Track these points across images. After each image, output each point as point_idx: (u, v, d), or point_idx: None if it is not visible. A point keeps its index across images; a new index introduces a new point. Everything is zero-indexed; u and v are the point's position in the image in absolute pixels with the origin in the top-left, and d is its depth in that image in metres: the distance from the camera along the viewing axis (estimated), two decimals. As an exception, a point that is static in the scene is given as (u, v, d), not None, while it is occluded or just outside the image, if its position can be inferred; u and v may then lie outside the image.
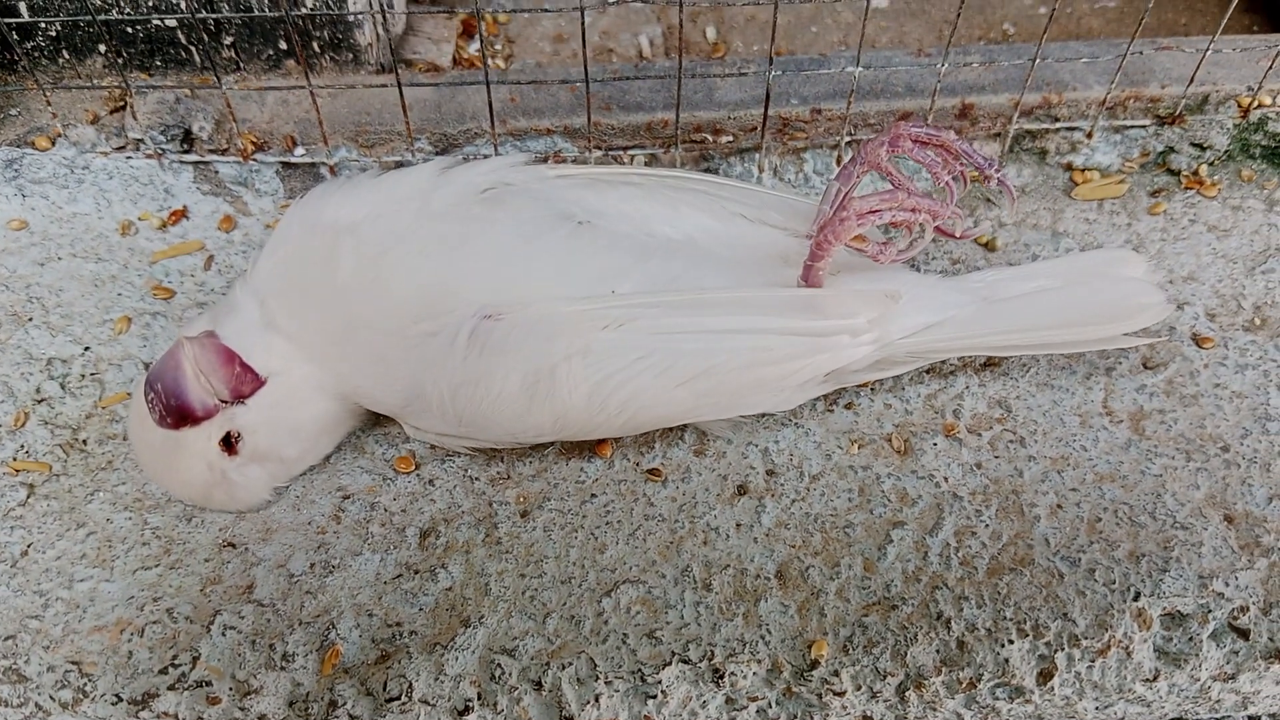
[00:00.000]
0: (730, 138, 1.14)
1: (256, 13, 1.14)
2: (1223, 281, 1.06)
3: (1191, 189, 1.14)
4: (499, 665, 0.83)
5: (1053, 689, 0.84)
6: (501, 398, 0.86)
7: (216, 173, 1.14)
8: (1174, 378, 0.99)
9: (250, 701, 0.83)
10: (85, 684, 0.83)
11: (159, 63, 1.19)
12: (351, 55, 1.20)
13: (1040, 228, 1.12)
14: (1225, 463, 0.93)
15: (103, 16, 1.11)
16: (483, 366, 0.85)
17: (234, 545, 0.90)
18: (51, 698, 0.83)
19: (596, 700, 0.82)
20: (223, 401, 0.85)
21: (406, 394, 0.89)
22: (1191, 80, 1.12)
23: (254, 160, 1.13)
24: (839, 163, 1.15)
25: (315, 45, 1.19)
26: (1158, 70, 1.18)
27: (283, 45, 1.18)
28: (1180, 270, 1.07)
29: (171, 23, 1.15)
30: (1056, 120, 1.15)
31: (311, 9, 1.15)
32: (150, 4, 1.13)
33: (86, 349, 1.03)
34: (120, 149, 1.13)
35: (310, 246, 0.90)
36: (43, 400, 0.99)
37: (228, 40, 1.17)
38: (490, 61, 1.40)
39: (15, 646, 0.85)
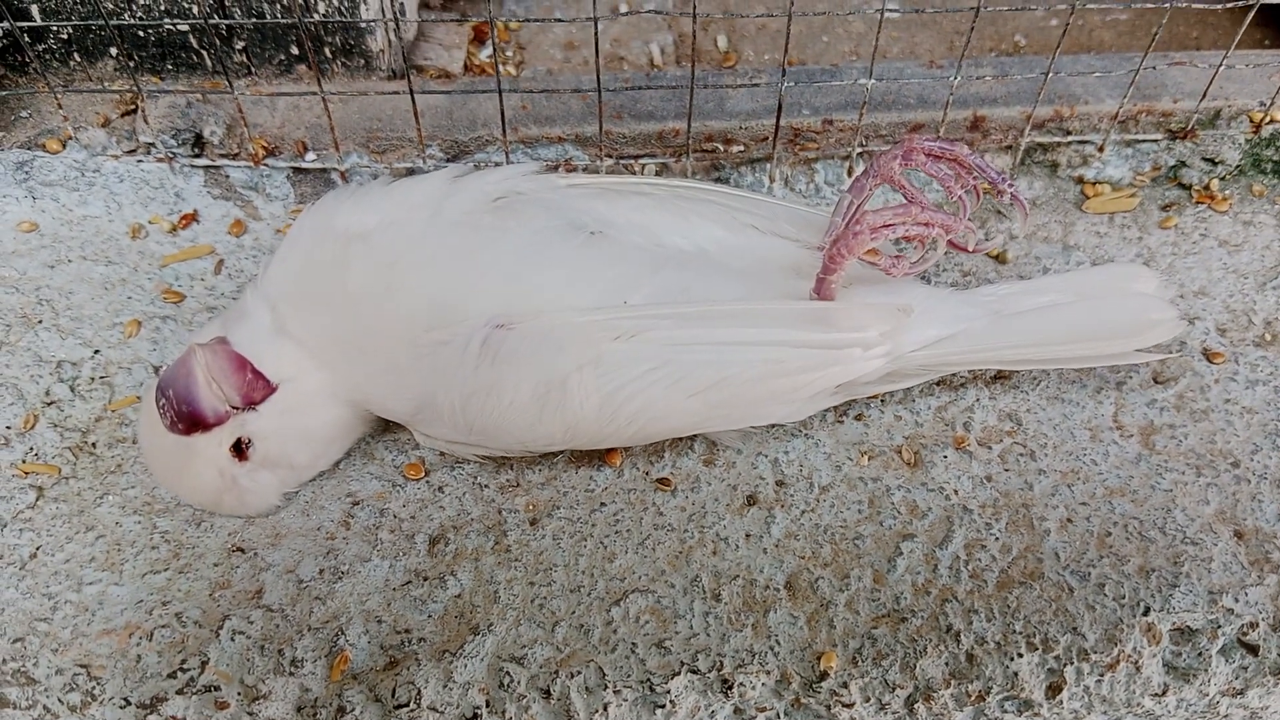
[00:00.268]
0: (741, 147, 1.14)
1: (269, 18, 1.14)
2: (1234, 297, 1.06)
3: (1203, 204, 1.15)
4: (507, 673, 0.83)
5: (1061, 703, 0.84)
6: (513, 407, 0.86)
7: (227, 177, 1.14)
8: (1184, 393, 0.99)
9: (259, 707, 0.82)
10: (94, 687, 0.83)
11: (170, 66, 1.19)
12: (363, 61, 1.20)
13: (1051, 241, 1.12)
14: (1235, 478, 0.93)
15: (115, 21, 1.11)
16: (494, 376, 0.85)
17: (243, 550, 0.90)
18: (60, 700, 0.83)
19: (605, 709, 0.82)
20: (234, 408, 0.85)
21: (417, 402, 0.89)
22: (1204, 95, 1.12)
23: (265, 165, 1.14)
24: (850, 174, 1.15)
25: (327, 51, 1.19)
26: (1170, 84, 1.18)
27: (294, 50, 1.18)
28: (1191, 285, 1.07)
29: (183, 27, 1.15)
30: (1068, 133, 1.15)
31: (324, 15, 1.16)
32: (162, 8, 1.13)
33: (96, 352, 1.03)
34: (131, 152, 1.14)
35: (322, 254, 0.90)
36: (52, 403, 0.99)
37: (239, 45, 1.18)
38: (502, 69, 1.40)
39: (24, 649, 0.85)
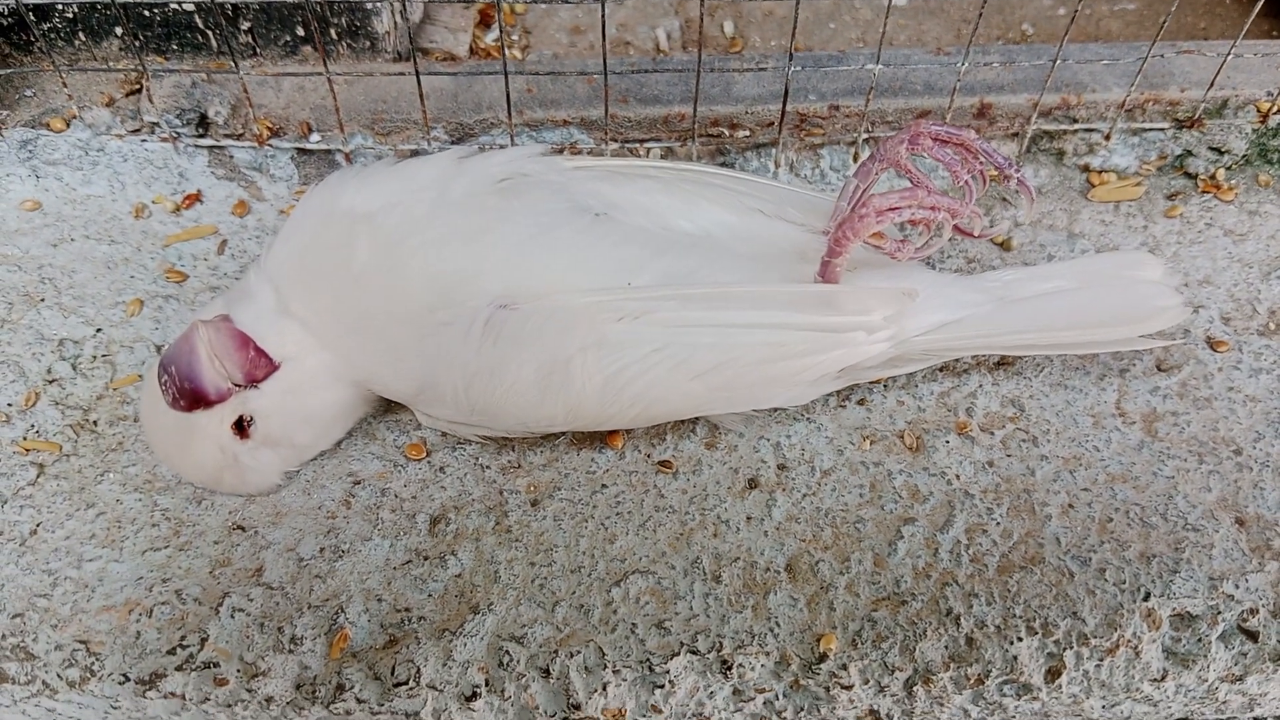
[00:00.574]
0: (747, 133, 1.14)
1: (275, -2, 1.14)
2: (1238, 285, 1.06)
3: (1208, 193, 1.14)
4: (507, 652, 0.83)
5: (1060, 687, 0.84)
6: (515, 388, 0.86)
7: (231, 157, 1.14)
8: (1188, 380, 0.99)
9: (258, 683, 0.83)
10: (93, 663, 0.83)
11: (175, 46, 1.19)
12: (369, 43, 1.20)
13: (1056, 228, 1.11)
14: (1237, 466, 0.93)
15: (120, 0, 1.11)
16: (497, 356, 0.85)
17: (244, 528, 0.90)
18: (59, 676, 0.83)
19: (604, 689, 0.82)
20: (236, 385, 0.85)
21: (420, 382, 0.89)
22: (1211, 84, 1.12)
23: (269, 146, 1.13)
24: (856, 160, 1.15)
25: (333, 32, 1.19)
26: (1177, 74, 1.18)
27: (300, 31, 1.18)
28: (1196, 274, 1.07)
29: (189, 6, 1.15)
30: (1075, 121, 1.15)
31: (330, -5, 1.16)
32: (169, -13, 1.13)
33: (98, 330, 1.03)
34: (135, 132, 1.13)
35: (326, 234, 0.90)
36: (54, 381, 0.99)
37: (245, 25, 1.17)
38: (507, 52, 1.39)
39: (24, 624, 0.85)
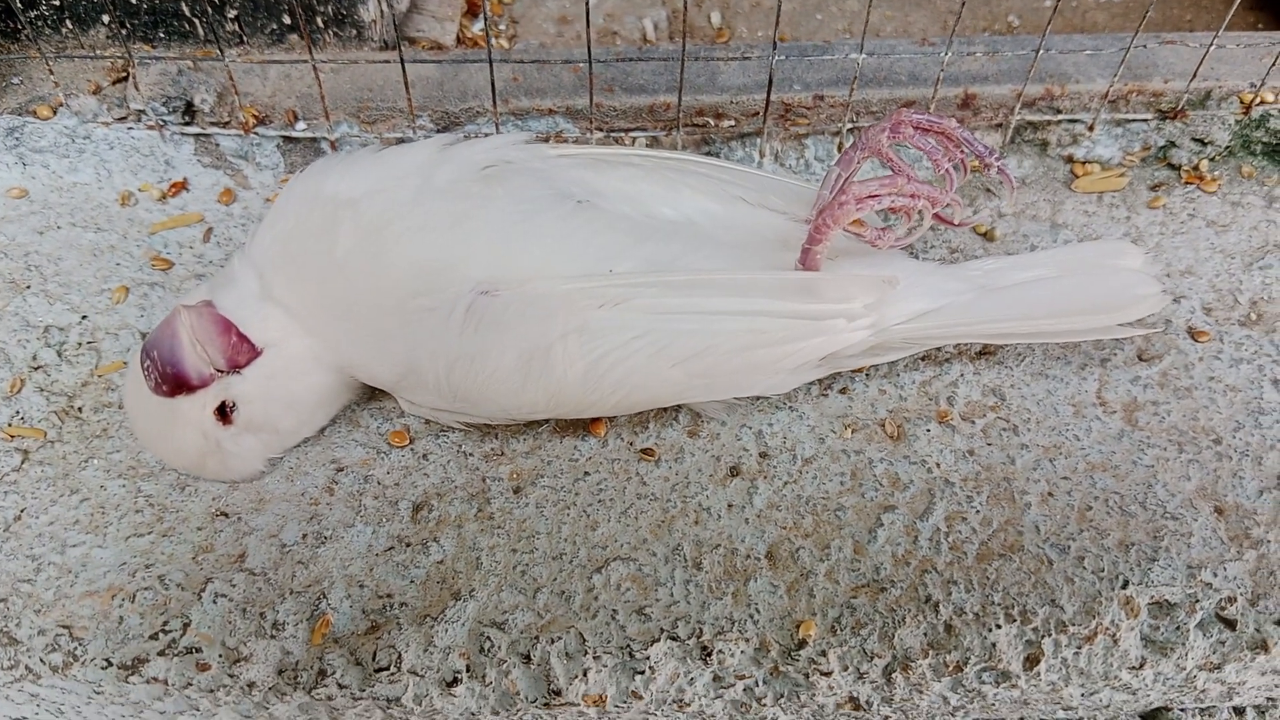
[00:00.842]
0: (732, 122, 1.14)
1: (261, -14, 1.14)
2: (1220, 276, 1.06)
3: (1192, 184, 1.15)
4: (488, 638, 0.83)
5: (1039, 674, 0.84)
6: (497, 374, 0.86)
7: (217, 145, 1.14)
8: (1168, 370, 0.99)
9: (240, 669, 0.83)
10: (76, 648, 0.83)
11: (162, 34, 1.19)
12: (355, 31, 1.20)
13: (1040, 219, 1.12)
14: (1217, 455, 0.93)
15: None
16: (479, 342, 0.85)
17: (227, 514, 0.91)
18: (42, 661, 0.83)
19: (585, 675, 0.83)
20: (218, 371, 0.85)
21: (402, 368, 0.89)
22: (1194, 75, 1.12)
23: (255, 134, 1.14)
24: (840, 149, 1.15)
25: (319, 20, 1.19)
26: (1161, 65, 1.18)
27: (286, 20, 1.18)
28: (1178, 264, 1.07)
29: (176, -6, 1.15)
30: (1058, 112, 1.15)
31: (316, -16, 1.16)
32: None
33: (84, 317, 1.03)
34: (122, 120, 1.13)
35: (310, 220, 0.90)
36: (39, 367, 0.99)
37: (231, 13, 1.17)
38: (494, 41, 1.40)
39: (7, 610, 0.85)
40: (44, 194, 1.13)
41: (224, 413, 0.87)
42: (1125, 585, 0.85)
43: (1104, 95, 1.14)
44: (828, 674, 0.83)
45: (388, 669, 0.83)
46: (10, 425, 0.96)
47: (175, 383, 0.83)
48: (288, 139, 1.14)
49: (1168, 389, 0.98)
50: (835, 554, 0.88)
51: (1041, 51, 1.07)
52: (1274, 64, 1.14)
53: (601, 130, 1.14)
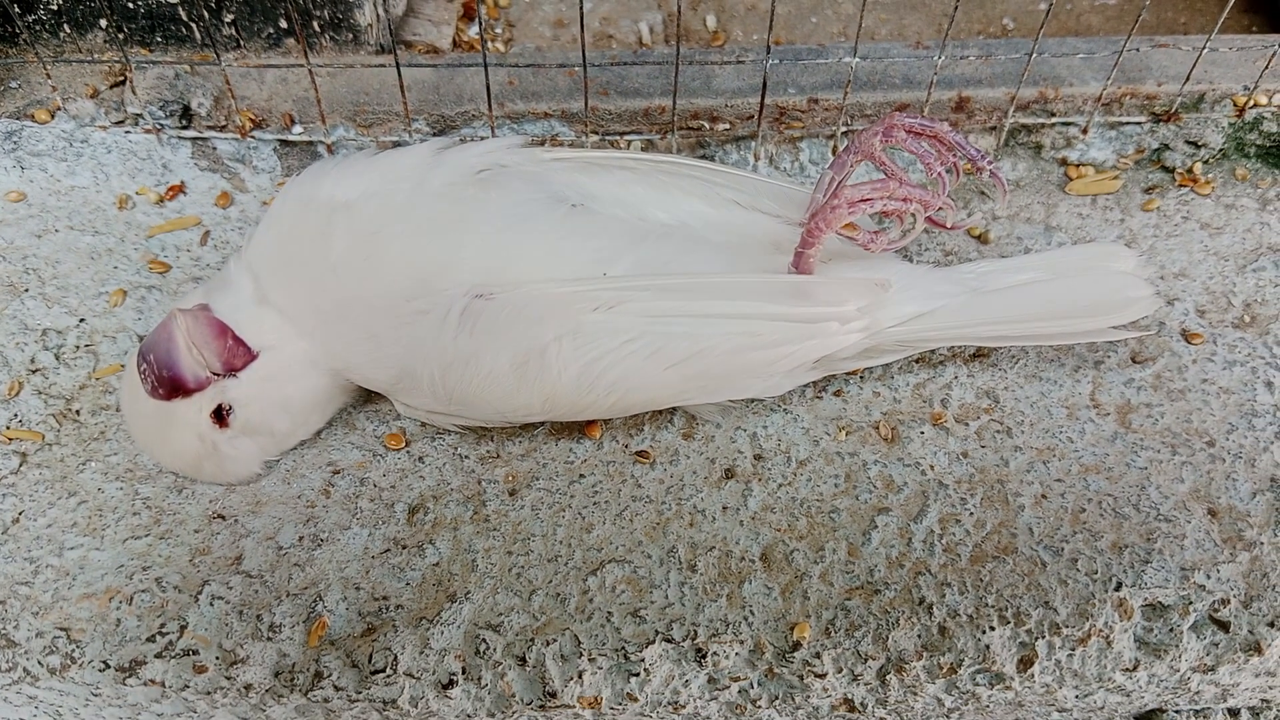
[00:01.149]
0: (727, 125, 1.15)
1: (258, -10, 1.15)
2: (1214, 279, 1.06)
3: (1185, 186, 1.15)
4: (484, 640, 0.84)
5: (1033, 676, 0.85)
6: (491, 377, 0.86)
7: (214, 149, 1.14)
8: (1162, 372, 0.99)
9: (237, 671, 0.83)
10: (73, 650, 0.84)
11: (159, 39, 1.19)
12: (351, 35, 1.21)
13: (1033, 222, 1.12)
14: (1210, 457, 0.94)
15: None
16: (473, 345, 0.85)
17: (223, 517, 0.91)
18: (40, 663, 0.84)
19: (580, 677, 0.83)
20: (214, 374, 0.86)
21: (397, 371, 0.89)
22: (1188, 78, 1.13)
23: (252, 137, 1.14)
24: (835, 152, 1.15)
25: (315, 24, 1.19)
26: (1154, 68, 1.18)
27: (283, 24, 1.18)
28: (1172, 267, 1.07)
29: (173, -1, 1.16)
30: (1052, 115, 1.15)
31: (313, -12, 1.16)
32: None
33: (81, 320, 1.04)
34: (119, 123, 1.14)
35: (305, 223, 0.90)
36: (37, 370, 1.00)
37: (228, 18, 1.18)
38: (490, 45, 1.40)
39: (5, 612, 0.85)
40: (42, 197, 1.14)
41: (220, 416, 0.87)
42: (1119, 587, 0.86)
43: (1098, 98, 1.14)
44: (822, 676, 0.84)
45: (384, 671, 0.83)
46: (8, 428, 0.96)
47: (171, 386, 0.84)
48: (284, 142, 1.15)
49: (1161, 391, 0.98)
50: (829, 556, 0.88)
51: (1035, 54, 1.08)
52: (1267, 66, 1.14)
53: (597, 134, 1.14)
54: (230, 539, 0.90)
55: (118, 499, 0.92)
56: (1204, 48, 1.10)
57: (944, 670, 0.84)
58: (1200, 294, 1.05)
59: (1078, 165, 1.17)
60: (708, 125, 1.15)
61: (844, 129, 1.14)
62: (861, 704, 0.86)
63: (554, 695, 0.83)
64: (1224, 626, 0.85)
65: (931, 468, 0.93)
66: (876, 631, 0.84)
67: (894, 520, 0.90)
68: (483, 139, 1.06)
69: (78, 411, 0.97)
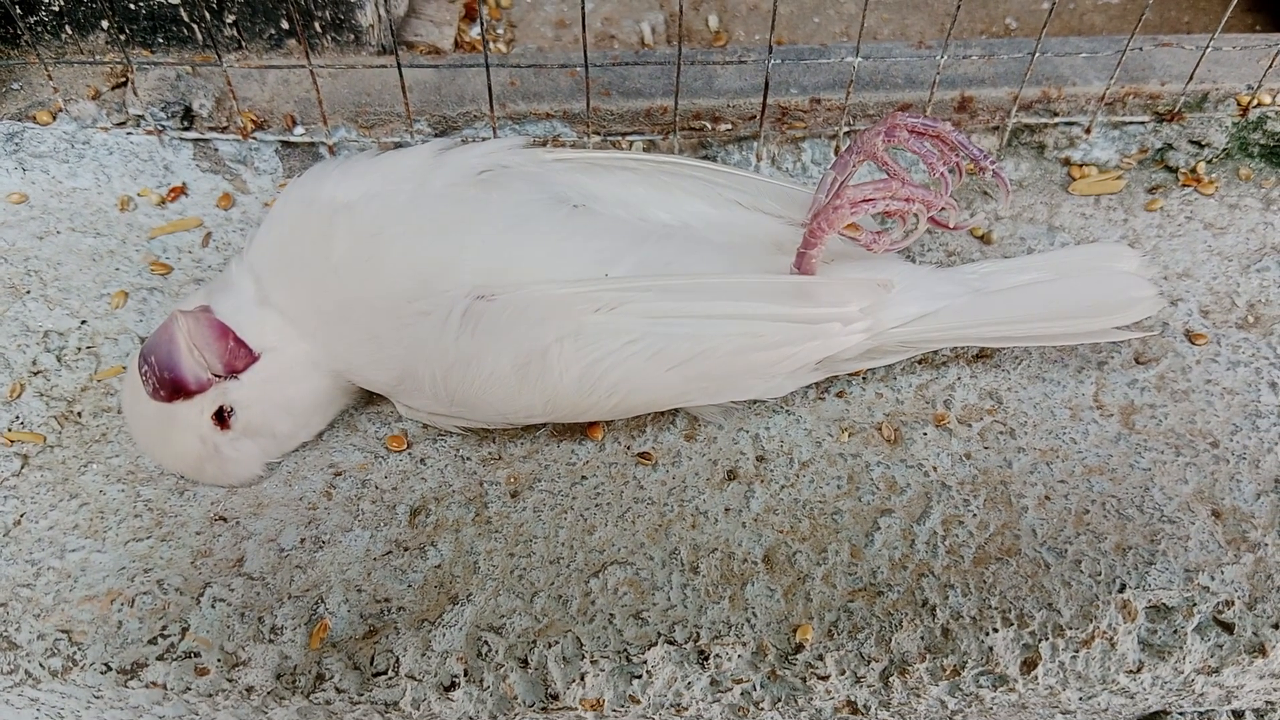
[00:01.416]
0: (729, 126, 1.15)
1: (259, -9, 1.15)
2: (1217, 279, 1.06)
3: (1189, 186, 1.15)
4: (486, 643, 0.84)
5: (1036, 678, 0.84)
6: (493, 378, 0.86)
7: (216, 150, 1.14)
8: (1166, 373, 0.99)
9: (238, 673, 0.83)
10: (75, 652, 0.84)
11: (161, 40, 1.19)
12: (353, 36, 1.20)
13: (1036, 222, 1.12)
14: (1214, 458, 0.93)
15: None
16: (475, 347, 0.85)
17: (225, 519, 0.91)
18: (41, 665, 0.83)
19: (582, 679, 0.83)
20: (216, 376, 0.86)
21: (399, 372, 0.89)
22: (1191, 77, 1.12)
23: (253, 139, 1.14)
24: (837, 152, 1.15)
25: (317, 25, 1.19)
26: (1158, 67, 1.18)
27: (284, 25, 1.18)
28: (1175, 267, 1.07)
29: (174, 0, 1.15)
30: (1055, 115, 1.15)
31: (314, -11, 1.16)
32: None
33: (83, 322, 1.04)
34: (121, 125, 1.14)
35: (306, 224, 0.90)
36: (39, 372, 1.00)
37: (230, 19, 1.18)
38: (491, 45, 1.40)
39: (6, 614, 0.85)
40: (43, 199, 1.14)
41: (222, 418, 0.87)
42: (1122, 589, 0.85)
43: (1101, 98, 1.14)
44: (825, 678, 0.83)
45: (385, 673, 0.83)
46: (10, 430, 0.96)
47: (173, 388, 0.84)
48: (286, 144, 1.14)
49: (1165, 392, 0.98)
50: (832, 558, 0.88)
51: (1038, 54, 1.07)
52: (1271, 66, 1.14)
53: (599, 134, 1.14)
54: (232, 541, 0.90)
55: (119, 501, 0.92)
56: (1207, 47, 1.10)
57: (947, 672, 0.84)
58: (1204, 294, 1.05)
59: (1081, 165, 1.16)
60: (710, 125, 1.14)
61: (846, 129, 1.14)
62: (864, 706, 0.86)
63: (556, 697, 0.83)
64: (1228, 628, 0.85)
65: (934, 469, 0.93)
66: (879, 633, 0.84)
67: (897, 522, 0.90)
68: (484, 140, 1.06)
69: (79, 413, 0.97)
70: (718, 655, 0.83)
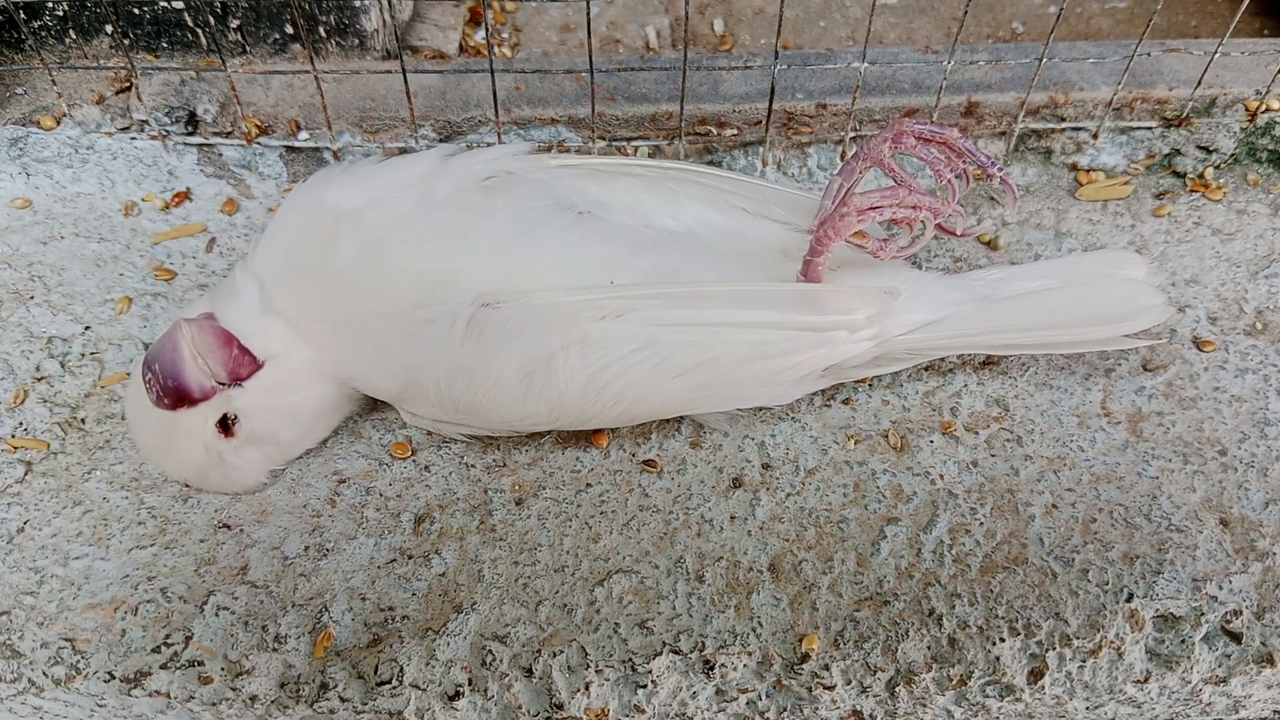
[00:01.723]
0: (735, 131, 1.14)
1: (264, -4, 1.14)
2: (1225, 285, 1.06)
3: (1197, 192, 1.14)
4: (490, 652, 0.83)
5: (1043, 688, 0.84)
6: (498, 386, 0.86)
7: (220, 155, 1.14)
8: (1173, 380, 0.99)
9: (242, 682, 0.83)
10: (78, 661, 0.83)
11: (165, 44, 1.19)
12: (357, 41, 1.20)
13: (1044, 228, 1.11)
14: (1222, 466, 0.93)
15: (110, -3, 1.11)
16: (480, 354, 0.85)
17: (229, 526, 0.91)
18: (44, 674, 0.83)
19: (587, 689, 0.82)
20: (220, 384, 0.85)
21: (404, 380, 0.89)
22: (1199, 83, 1.12)
23: (258, 144, 1.14)
24: (843, 158, 1.15)
25: (321, 30, 1.19)
26: (1165, 72, 1.18)
27: (289, 29, 1.18)
28: (1183, 273, 1.07)
29: (178, 4, 1.15)
30: (1062, 120, 1.15)
31: (319, -7, 1.16)
32: (158, -15, 1.14)
33: (87, 328, 1.03)
34: (125, 130, 1.14)
35: (311, 231, 0.90)
36: (42, 378, 1.00)
37: (234, 23, 1.18)
38: (496, 50, 1.40)
39: (10, 622, 0.85)
40: (47, 204, 1.14)
41: (226, 425, 0.87)
42: (1130, 598, 0.85)
43: (1108, 103, 1.13)
44: (831, 688, 0.83)
45: (389, 682, 0.83)
46: (14, 436, 0.96)
47: (177, 396, 0.83)
48: (290, 149, 1.14)
49: (1173, 399, 0.97)
50: (838, 567, 0.87)
51: (1045, 59, 1.07)
52: (1279, 71, 1.13)
53: (604, 139, 1.14)
54: (235, 549, 0.89)
55: (123, 508, 0.92)
56: (1215, 52, 1.09)
57: (954, 682, 0.83)
58: (1212, 301, 1.04)
59: (1088, 171, 1.16)
60: (715, 131, 1.14)
61: (853, 134, 1.14)
62: (870, 716, 0.85)
63: (561, 707, 0.82)
64: (1236, 638, 0.85)
65: (941, 477, 0.93)
66: (886, 643, 0.84)
67: (903, 530, 0.89)
68: (489, 145, 1.05)
69: (83, 420, 0.97)
70: (723, 665, 0.83)
